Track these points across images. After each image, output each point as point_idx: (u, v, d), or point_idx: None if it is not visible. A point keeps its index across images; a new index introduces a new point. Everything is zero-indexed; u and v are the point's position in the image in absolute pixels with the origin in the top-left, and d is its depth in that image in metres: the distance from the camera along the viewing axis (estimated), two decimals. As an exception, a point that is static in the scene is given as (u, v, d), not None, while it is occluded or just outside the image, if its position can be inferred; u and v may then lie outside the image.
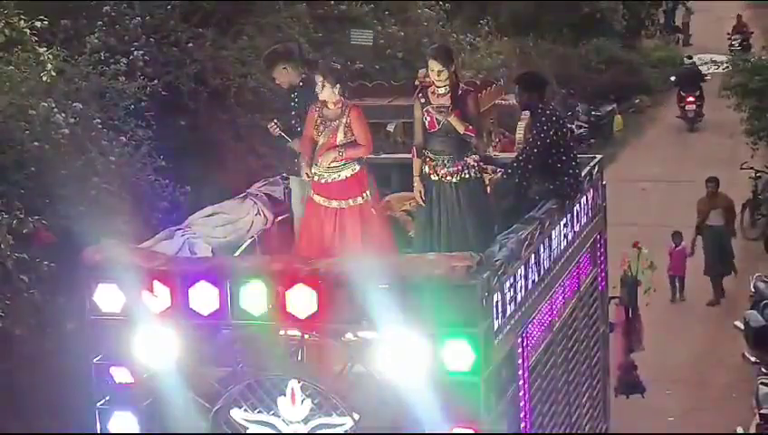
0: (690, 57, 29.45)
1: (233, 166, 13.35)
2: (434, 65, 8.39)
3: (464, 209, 8.47)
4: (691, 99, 26.19)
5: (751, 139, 19.43)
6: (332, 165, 8.50)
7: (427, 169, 8.57)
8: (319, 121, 8.58)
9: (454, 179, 8.47)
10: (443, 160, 8.48)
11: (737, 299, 15.14)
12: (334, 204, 8.55)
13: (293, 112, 9.11)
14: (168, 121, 13.06)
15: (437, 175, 8.51)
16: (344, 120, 8.51)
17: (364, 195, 8.62)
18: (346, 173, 8.54)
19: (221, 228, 8.73)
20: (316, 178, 8.56)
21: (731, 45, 31.01)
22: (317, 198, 8.60)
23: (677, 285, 15.99)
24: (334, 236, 8.52)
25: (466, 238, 8.31)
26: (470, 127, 8.39)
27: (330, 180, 8.54)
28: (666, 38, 36.66)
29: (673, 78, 27.55)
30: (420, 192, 8.65)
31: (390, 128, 11.20)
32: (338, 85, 8.48)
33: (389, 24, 18.27)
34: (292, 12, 16.11)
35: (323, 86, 8.45)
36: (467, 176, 8.50)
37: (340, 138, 8.50)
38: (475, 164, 8.56)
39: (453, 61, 8.51)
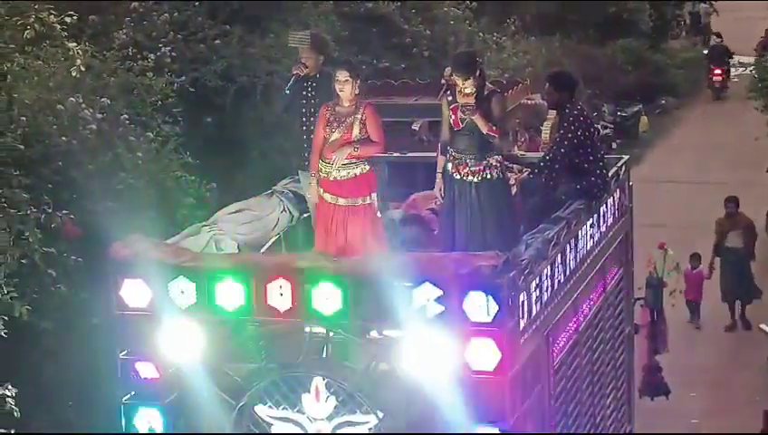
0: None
1: (259, 163, 13.37)
2: (457, 77, 8.36)
3: (484, 210, 8.44)
4: (718, 71, 30.05)
5: (778, 141, 19.33)
6: (345, 162, 8.49)
7: (450, 167, 8.56)
8: (332, 119, 8.54)
9: (475, 179, 8.45)
10: (466, 159, 8.46)
11: (762, 302, 15.06)
12: (341, 202, 8.53)
13: (304, 101, 9.08)
14: (195, 118, 13.11)
15: (460, 174, 8.49)
16: (359, 117, 8.50)
17: (372, 195, 8.62)
18: (356, 172, 8.53)
19: (247, 225, 8.74)
20: (324, 175, 8.56)
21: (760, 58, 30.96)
22: (326, 196, 8.59)
23: (694, 310, 15.22)
24: (342, 235, 8.51)
25: (485, 239, 8.28)
26: (493, 127, 8.36)
27: (340, 178, 8.53)
28: (692, 39, 36.51)
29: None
30: (440, 189, 8.65)
31: (416, 126, 11.18)
32: (358, 82, 8.49)
33: (416, 22, 18.24)
34: (320, 10, 16.13)
35: (347, 82, 8.44)
36: (489, 176, 8.47)
37: (355, 134, 8.49)
38: (498, 164, 8.52)
39: (476, 66, 8.45)
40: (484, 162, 8.44)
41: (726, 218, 15.61)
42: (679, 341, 13.59)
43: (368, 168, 8.57)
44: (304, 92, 9.10)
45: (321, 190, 8.61)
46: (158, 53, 12.75)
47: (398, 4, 18.01)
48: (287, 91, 9.09)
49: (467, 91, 8.40)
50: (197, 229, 8.39)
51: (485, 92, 8.47)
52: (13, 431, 8.79)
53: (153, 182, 11.36)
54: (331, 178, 8.53)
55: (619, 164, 9.79)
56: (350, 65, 8.68)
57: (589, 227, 8.67)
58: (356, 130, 8.49)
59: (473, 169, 8.44)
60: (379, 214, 8.72)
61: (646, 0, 30.11)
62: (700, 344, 14.44)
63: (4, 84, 10.39)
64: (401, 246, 8.73)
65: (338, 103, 8.55)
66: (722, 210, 16.05)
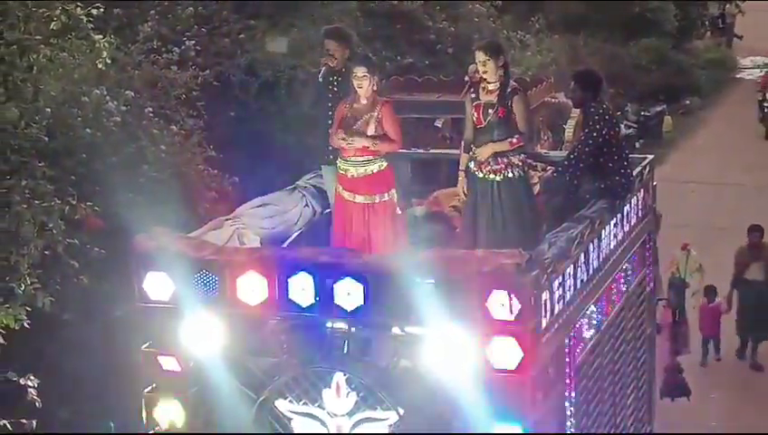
0: None
1: (281, 157, 13.38)
2: (479, 56, 8.39)
3: (505, 209, 8.44)
4: None
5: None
6: (361, 159, 8.47)
7: (473, 165, 8.55)
8: (349, 116, 8.56)
9: (497, 178, 8.44)
10: (487, 158, 8.45)
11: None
12: (359, 199, 8.53)
13: (330, 96, 9.09)
14: (219, 112, 13.12)
15: (482, 172, 8.49)
16: (375, 114, 8.50)
17: (391, 192, 8.61)
18: (373, 169, 8.53)
19: (270, 219, 8.75)
20: (342, 172, 8.55)
21: None
22: (344, 193, 8.59)
23: (712, 346, 13.79)
24: (361, 232, 8.50)
25: (506, 238, 8.27)
26: (513, 140, 8.37)
27: (357, 175, 8.52)
28: (716, 39, 36.37)
29: None
30: (463, 187, 8.63)
31: (439, 123, 11.19)
32: (376, 78, 8.49)
33: (440, 19, 18.22)
34: (343, 6, 16.13)
35: (365, 78, 8.43)
36: (510, 175, 8.46)
37: (371, 131, 8.50)
38: (520, 163, 8.51)
39: (500, 54, 8.45)
40: (506, 161, 8.44)
41: (749, 249, 13.93)
42: (701, 341, 13.55)
43: (385, 164, 8.56)
44: (330, 87, 9.11)
45: (340, 188, 8.61)
46: (183, 47, 12.75)
47: (422, 1, 17.99)
48: (320, 79, 9.09)
49: (491, 87, 8.40)
50: (220, 223, 8.40)
51: (508, 90, 8.46)
52: (35, 422, 8.83)
53: (176, 175, 11.38)
54: (349, 176, 8.53)
55: (643, 164, 9.75)
56: (368, 61, 8.69)
57: (612, 227, 8.63)
58: (371, 129, 8.49)
59: (494, 167, 8.44)
60: (398, 211, 8.71)
61: (670, 0, 30.00)
62: (722, 345, 14.37)
63: (29, 76, 10.43)
64: (423, 243, 8.72)
65: (356, 100, 8.55)
66: (745, 211, 15.85)
